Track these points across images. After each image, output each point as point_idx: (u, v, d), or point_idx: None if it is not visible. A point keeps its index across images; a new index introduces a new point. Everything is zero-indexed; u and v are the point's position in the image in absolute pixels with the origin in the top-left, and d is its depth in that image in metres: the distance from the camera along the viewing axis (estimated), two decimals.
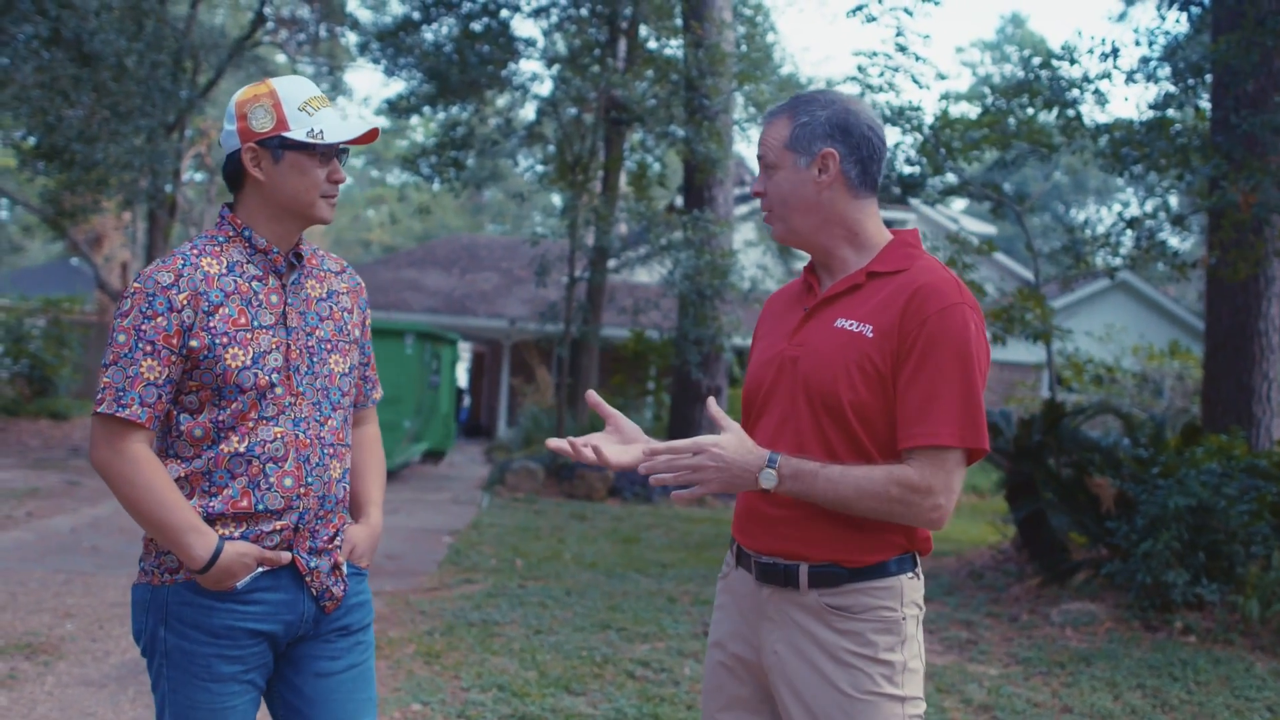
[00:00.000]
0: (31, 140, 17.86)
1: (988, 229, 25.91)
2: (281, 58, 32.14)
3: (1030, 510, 9.09)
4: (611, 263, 16.84)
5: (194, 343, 2.43)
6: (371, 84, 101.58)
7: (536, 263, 15.61)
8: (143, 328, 2.41)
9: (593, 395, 2.58)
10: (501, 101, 19.69)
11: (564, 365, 15.96)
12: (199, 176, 35.77)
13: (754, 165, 32.21)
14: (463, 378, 32.74)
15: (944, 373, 2.27)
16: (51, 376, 21.81)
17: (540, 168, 19.40)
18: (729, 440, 2.30)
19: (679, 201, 19.46)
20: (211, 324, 2.45)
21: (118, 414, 2.40)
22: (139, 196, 18.86)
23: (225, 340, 2.45)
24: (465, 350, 31.97)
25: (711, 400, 2.42)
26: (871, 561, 2.36)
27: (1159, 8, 10.40)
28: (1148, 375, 18.69)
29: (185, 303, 2.43)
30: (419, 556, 9.66)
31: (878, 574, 2.36)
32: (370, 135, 2.56)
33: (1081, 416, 9.78)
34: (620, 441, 2.56)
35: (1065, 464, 9.25)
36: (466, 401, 31.26)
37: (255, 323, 2.50)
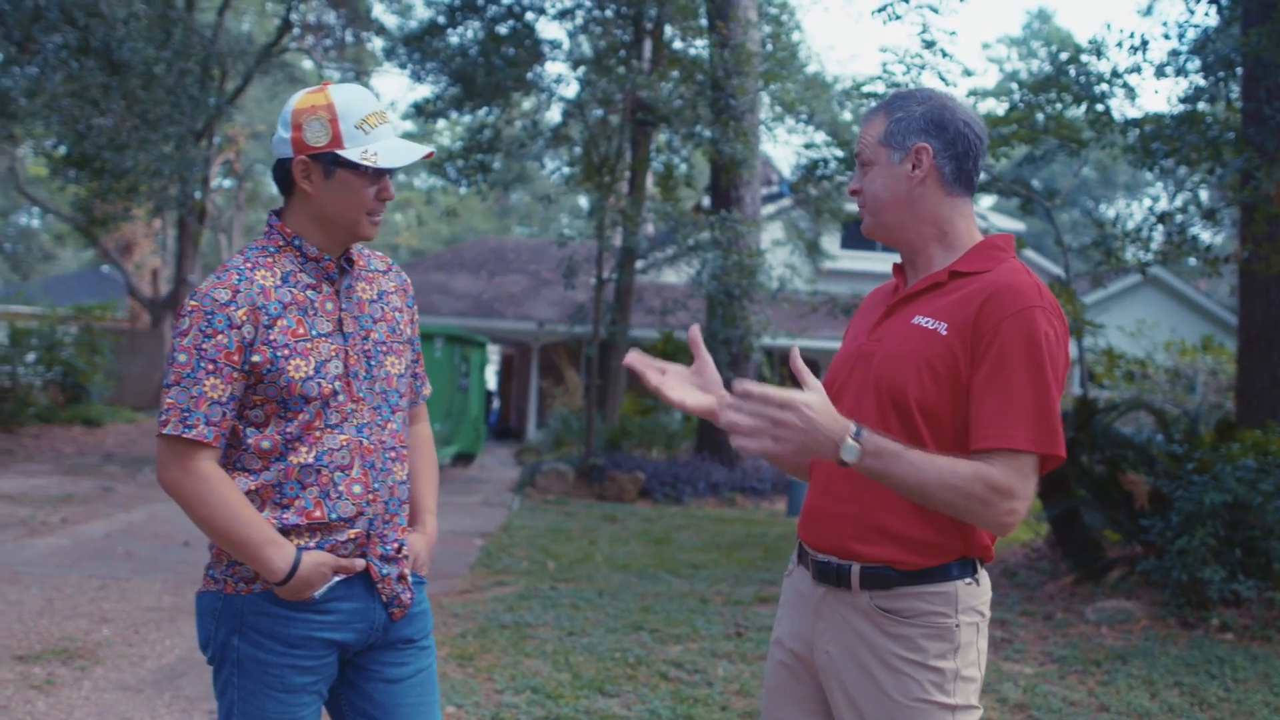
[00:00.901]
0: (62, 149, 18.03)
1: (1017, 225, 25.78)
2: (308, 63, 32.29)
3: (1064, 508, 9.04)
4: (639, 264, 16.85)
5: (256, 358, 2.42)
6: (398, 88, 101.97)
7: (564, 264, 15.62)
8: (203, 346, 2.39)
9: (695, 331, 2.51)
10: (527, 104, 19.75)
11: (593, 366, 15.97)
12: (228, 183, 35.99)
13: (780, 165, 31.96)
14: (492, 380, 32.83)
15: (1019, 376, 2.22)
16: (84, 383, 21.95)
17: (567, 169, 19.41)
18: (817, 401, 2.16)
19: (706, 202, 19.46)
20: (272, 337, 2.43)
21: (184, 435, 2.39)
22: (169, 203, 19.00)
23: (287, 352, 2.44)
24: (494, 353, 32.05)
25: (795, 351, 2.26)
26: (925, 565, 2.31)
27: (1188, 1, 10.32)
28: (1180, 371, 18.57)
29: (244, 318, 2.41)
30: (451, 559, 9.68)
31: (931, 578, 2.31)
32: (424, 159, 2.54)
33: (1114, 413, 9.71)
34: (698, 386, 2.52)
35: (1098, 461, 9.19)
36: (496, 404, 31.33)
37: (314, 332, 2.49)
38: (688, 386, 2.51)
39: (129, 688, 5.53)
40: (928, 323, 2.33)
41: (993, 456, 2.22)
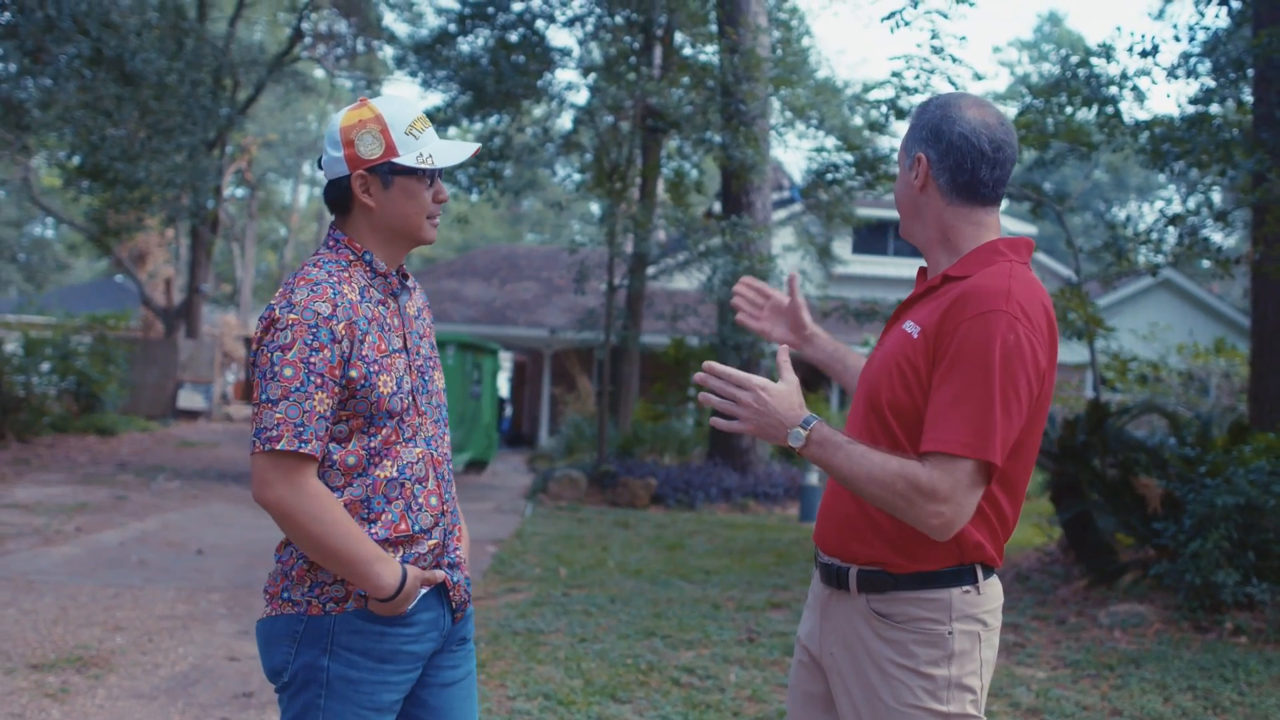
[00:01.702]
0: (76, 159, 18.11)
1: (1028, 229, 25.73)
2: (320, 72, 32.40)
3: (1076, 511, 9.02)
4: (650, 269, 16.88)
5: (353, 373, 2.41)
6: (409, 97, 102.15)
7: (575, 271, 15.64)
8: (311, 360, 2.37)
9: (793, 278, 2.83)
10: (538, 111, 19.74)
11: (605, 373, 15.98)
12: (240, 192, 36.12)
13: (791, 170, 31.91)
14: (504, 387, 32.85)
15: (968, 380, 2.23)
16: (98, 393, 22.05)
17: (578, 176, 19.44)
18: (778, 389, 2.32)
19: (717, 207, 19.45)
20: (364, 352, 2.43)
21: (300, 450, 2.35)
22: (181, 213, 19.10)
23: (376, 368, 2.44)
24: (506, 360, 32.09)
25: (783, 348, 2.47)
26: (918, 569, 2.33)
27: (1198, 3, 10.30)
28: (1193, 373, 18.51)
29: (344, 333, 2.40)
30: None
31: (924, 583, 2.33)
32: (475, 154, 2.57)
33: (1126, 416, 9.69)
34: (790, 325, 2.90)
35: (1111, 464, 9.17)
36: (508, 411, 31.36)
37: (390, 347, 2.51)
38: (780, 322, 2.91)
39: (143, 695, 5.55)
40: (909, 327, 2.39)
41: (928, 458, 2.24)
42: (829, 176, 13.53)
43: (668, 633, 7.07)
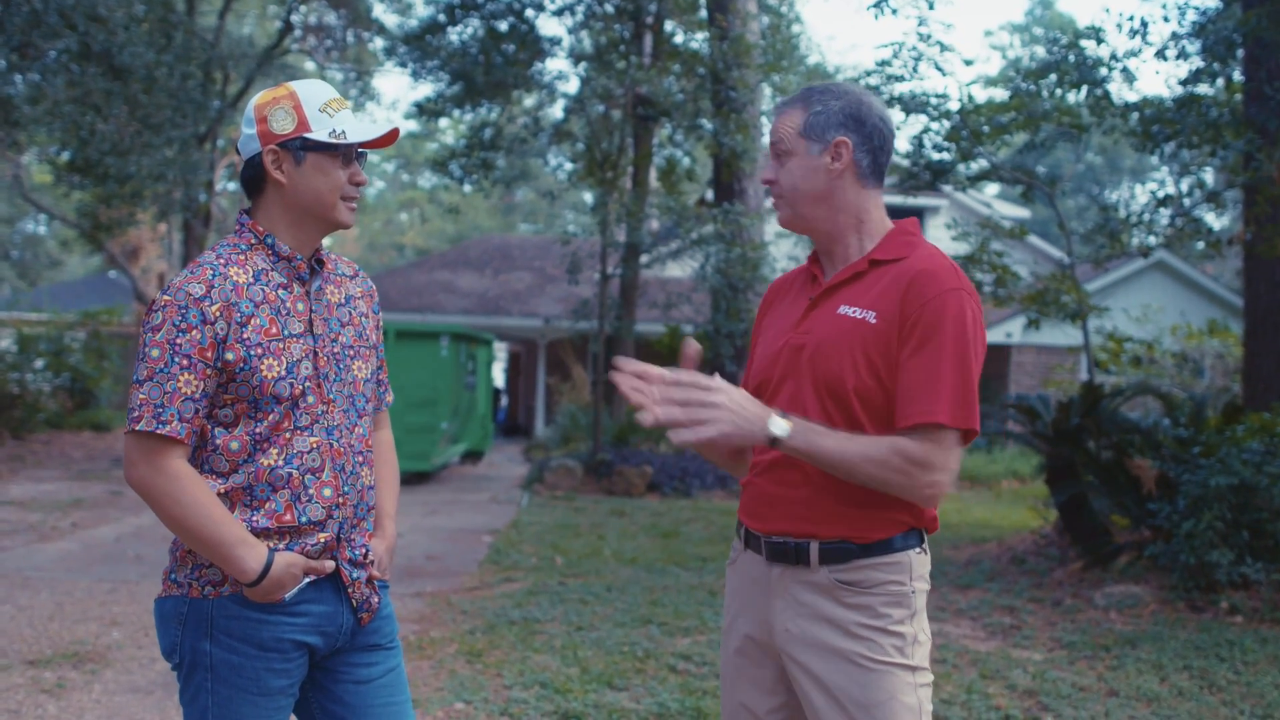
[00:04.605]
0: (66, 155, 18.06)
1: (1021, 212, 25.75)
2: (310, 65, 32.32)
3: (1071, 494, 9.03)
4: (643, 258, 16.85)
5: (229, 355, 2.38)
6: (399, 88, 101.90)
7: (568, 261, 15.63)
8: (177, 341, 2.35)
9: (690, 344, 2.53)
10: (529, 101, 19.76)
11: (599, 362, 15.98)
12: (232, 186, 36.04)
13: None
14: (499, 378, 32.85)
15: (941, 355, 2.32)
16: (92, 389, 22.03)
17: (570, 165, 19.42)
18: (732, 388, 2.32)
19: (709, 195, 19.45)
20: (245, 335, 2.40)
21: (158, 431, 2.34)
22: (173, 208, 19.03)
23: (260, 351, 2.41)
24: (501, 350, 32.07)
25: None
26: (880, 537, 2.41)
27: None
28: (1187, 355, 18.51)
29: (218, 314, 2.37)
30: (459, 556, 9.70)
31: (887, 549, 2.41)
32: (391, 136, 2.54)
33: (1120, 398, 9.70)
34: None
35: (1105, 446, 9.18)
36: (504, 401, 31.35)
37: (285, 331, 2.46)
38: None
39: (139, 690, 5.55)
40: (855, 312, 2.42)
41: (913, 432, 2.32)
42: None
43: (664, 620, 7.08)
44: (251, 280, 2.46)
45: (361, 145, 2.54)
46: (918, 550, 2.45)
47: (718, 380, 2.31)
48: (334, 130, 2.49)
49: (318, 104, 2.50)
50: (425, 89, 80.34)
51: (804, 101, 2.51)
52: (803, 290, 2.62)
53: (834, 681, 2.38)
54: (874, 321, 2.38)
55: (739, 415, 2.29)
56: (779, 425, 2.30)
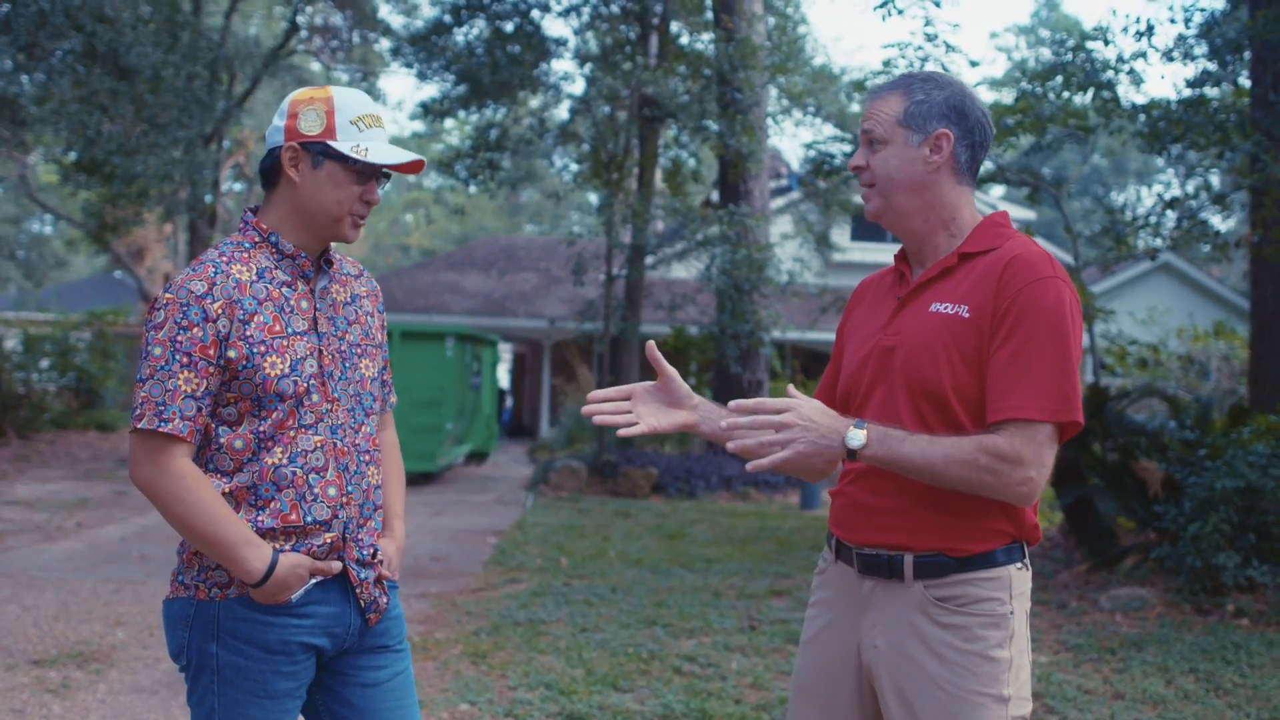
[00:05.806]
0: (72, 155, 18.07)
1: (1027, 214, 25.69)
2: (316, 65, 32.34)
3: (1077, 496, 9.02)
4: (649, 259, 16.83)
5: (231, 353, 2.37)
6: (405, 89, 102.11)
7: (574, 262, 15.62)
8: (179, 339, 2.34)
9: (651, 348, 2.51)
10: (535, 102, 19.71)
11: (604, 363, 15.96)
12: (238, 186, 36.07)
13: (789, 158, 31.89)
14: (504, 379, 32.84)
15: (1035, 345, 2.21)
16: (98, 389, 22.05)
17: (575, 166, 19.41)
18: (804, 402, 2.23)
19: (715, 196, 19.42)
20: (248, 333, 2.39)
21: (160, 429, 2.33)
22: (179, 208, 19.03)
23: (263, 349, 2.40)
24: (506, 351, 32.07)
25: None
26: (978, 550, 2.29)
27: None
28: (1193, 357, 18.48)
29: (220, 312, 2.36)
30: (464, 557, 9.70)
31: (985, 564, 2.30)
32: (414, 166, 2.51)
33: (1126, 400, 9.69)
34: (666, 403, 2.55)
35: (1111, 449, 9.17)
36: (509, 402, 31.36)
37: (289, 329, 2.45)
38: (657, 408, 2.54)
39: (144, 690, 5.55)
40: (947, 308, 2.31)
41: (1001, 427, 2.21)
42: (825, 166, 13.48)
43: (669, 621, 7.07)
44: (255, 278, 2.45)
45: (382, 168, 2.52)
46: (1019, 565, 2.33)
47: (788, 400, 2.21)
48: (357, 145, 2.47)
49: (350, 115, 2.48)
50: (431, 90, 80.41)
51: (904, 88, 2.39)
52: (890, 290, 2.50)
53: (920, 707, 2.27)
54: (967, 315, 2.27)
55: (813, 432, 2.19)
56: (855, 437, 2.20)
